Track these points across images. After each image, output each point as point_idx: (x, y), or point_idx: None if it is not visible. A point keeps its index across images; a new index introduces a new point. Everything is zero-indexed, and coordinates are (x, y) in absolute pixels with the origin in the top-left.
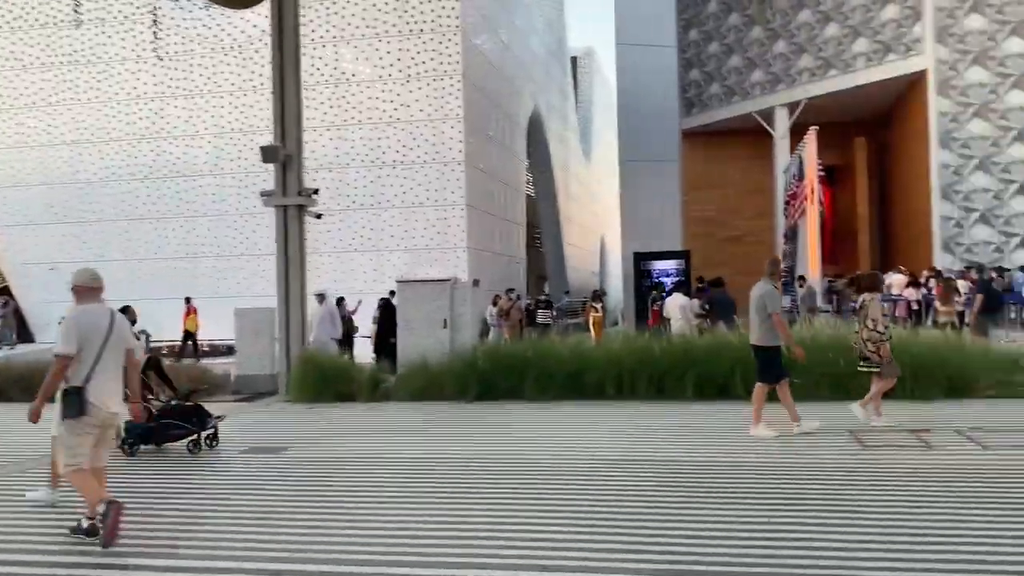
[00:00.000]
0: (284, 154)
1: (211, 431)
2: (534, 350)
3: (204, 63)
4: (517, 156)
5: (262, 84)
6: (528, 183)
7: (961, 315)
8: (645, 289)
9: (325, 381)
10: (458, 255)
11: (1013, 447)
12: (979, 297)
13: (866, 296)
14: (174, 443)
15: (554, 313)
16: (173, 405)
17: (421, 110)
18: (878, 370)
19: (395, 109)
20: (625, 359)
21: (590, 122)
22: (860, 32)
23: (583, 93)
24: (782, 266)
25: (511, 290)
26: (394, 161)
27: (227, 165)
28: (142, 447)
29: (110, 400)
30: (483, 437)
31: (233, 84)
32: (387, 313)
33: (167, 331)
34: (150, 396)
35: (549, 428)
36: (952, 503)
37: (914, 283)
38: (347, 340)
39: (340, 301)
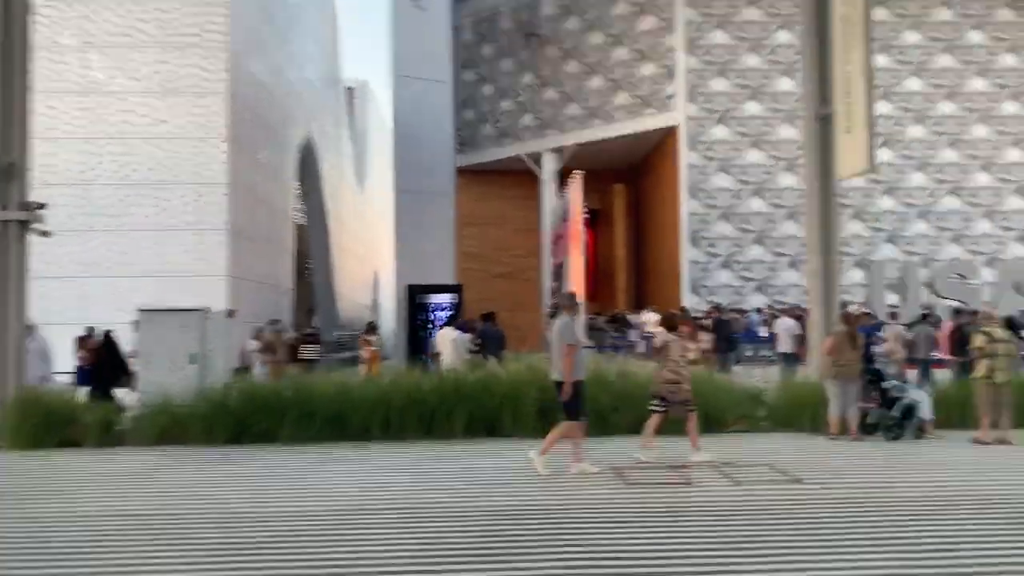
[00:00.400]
0: (5, 162)
1: None
2: (294, 388)
3: None
4: (286, 181)
5: None
6: (299, 210)
7: (706, 352)
8: (419, 323)
9: (47, 424)
10: (217, 283)
11: (762, 482)
12: (711, 336)
13: (669, 337)
14: None
15: (321, 348)
16: None
17: (181, 127)
18: (665, 409)
19: (151, 124)
20: (393, 397)
21: (364, 153)
22: (621, 86)
23: (357, 124)
24: (551, 302)
25: (275, 321)
26: (147, 179)
27: None
28: None
29: None
30: (224, 485)
31: None
32: (108, 347)
33: None
34: None
35: (304, 473)
36: (716, 542)
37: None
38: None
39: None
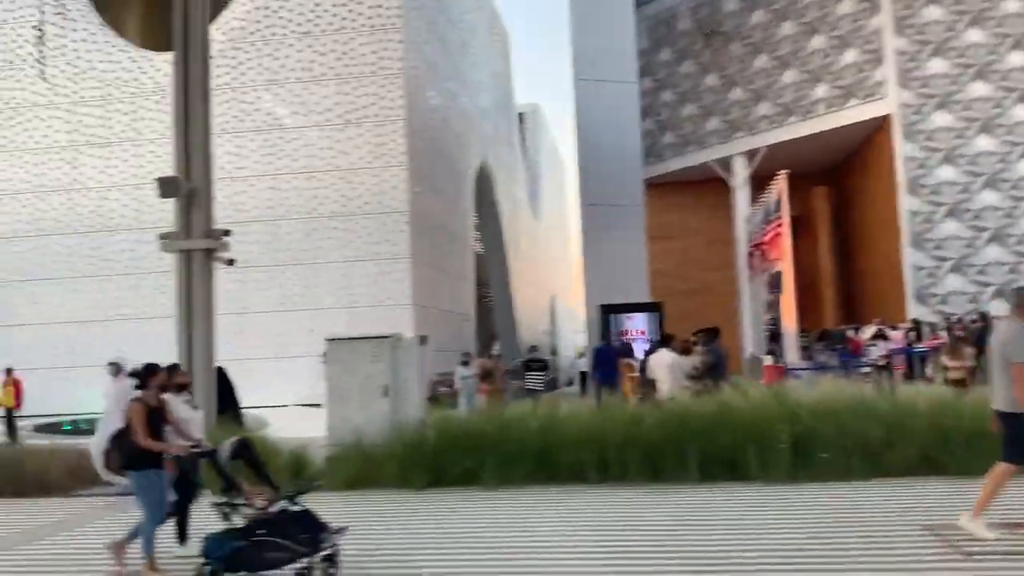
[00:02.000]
0: (188, 188)
1: (328, 552)
2: (495, 424)
3: (123, 108)
4: (465, 208)
5: None
6: (476, 239)
7: (972, 370)
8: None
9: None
10: (403, 313)
11: None
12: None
13: None
14: (274, 571)
15: (546, 376)
16: (275, 513)
17: (361, 157)
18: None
19: (333, 157)
20: (609, 432)
21: (538, 178)
22: (820, 78)
23: (530, 149)
24: (767, 317)
25: (491, 342)
26: (332, 212)
27: (149, 219)
28: None
29: None
30: (433, 536)
31: (154, 131)
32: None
33: (85, 404)
34: (240, 498)
35: (519, 524)
36: None
37: (881, 336)
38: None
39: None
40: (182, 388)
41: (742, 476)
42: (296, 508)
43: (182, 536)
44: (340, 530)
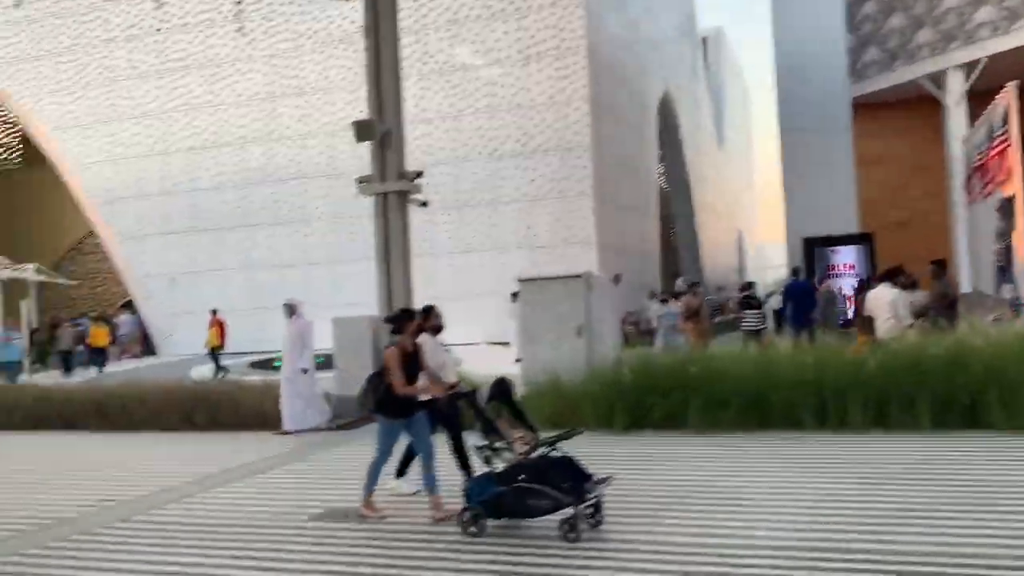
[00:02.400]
0: (382, 130)
1: (592, 502)
2: (700, 364)
3: (315, 58)
4: (648, 141)
5: None
6: (660, 173)
7: None
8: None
9: None
10: (587, 252)
11: None
12: None
13: None
14: (537, 519)
15: (761, 314)
16: (536, 459)
17: (542, 93)
18: None
19: (513, 94)
20: (827, 376)
21: (722, 106)
22: None
23: (713, 75)
24: (996, 248)
25: (695, 284)
26: (514, 151)
27: (342, 165)
28: (490, 523)
29: None
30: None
31: (344, 79)
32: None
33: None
34: (502, 442)
35: (734, 469)
36: None
37: None
38: None
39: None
40: (437, 331)
41: (983, 424)
42: (557, 454)
43: (401, 471)
44: (605, 479)
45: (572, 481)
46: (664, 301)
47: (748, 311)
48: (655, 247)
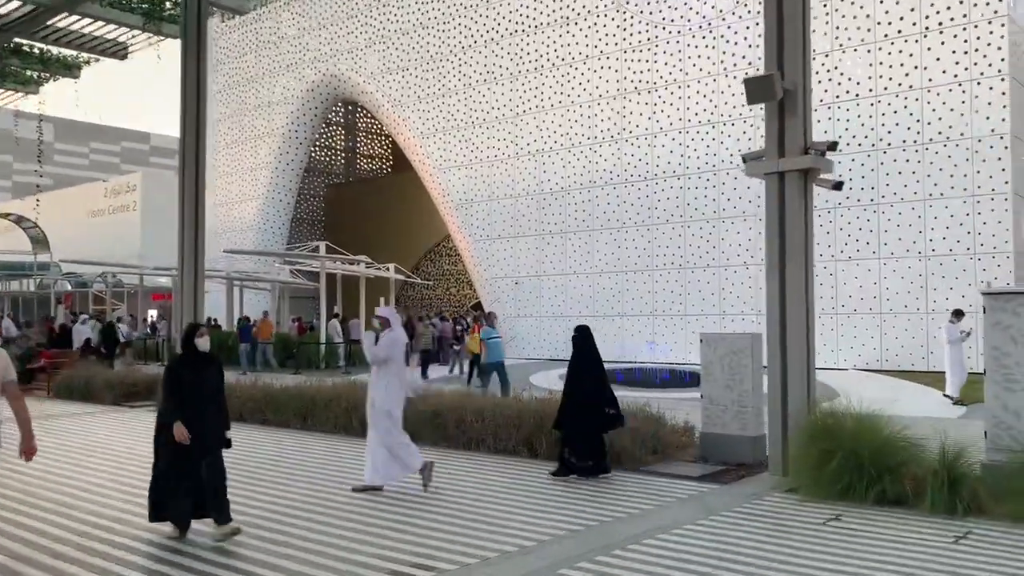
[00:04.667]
0: (783, 88)
1: None
2: None
3: (668, 50)
4: None
5: (734, 65)
6: None
7: None
8: None
9: (857, 464)
10: (997, 261)
11: None
12: None
13: None
14: None
15: None
16: None
17: (944, 71)
18: None
19: (928, 72)
20: None
21: None
22: None
23: None
24: None
25: None
26: (940, 137)
27: (692, 164)
28: None
29: None
30: None
31: (701, 69)
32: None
33: (628, 353)
34: None
35: None
36: None
37: None
38: None
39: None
40: None
41: None
42: None
43: None
44: None
45: None
46: None
47: None
48: None
